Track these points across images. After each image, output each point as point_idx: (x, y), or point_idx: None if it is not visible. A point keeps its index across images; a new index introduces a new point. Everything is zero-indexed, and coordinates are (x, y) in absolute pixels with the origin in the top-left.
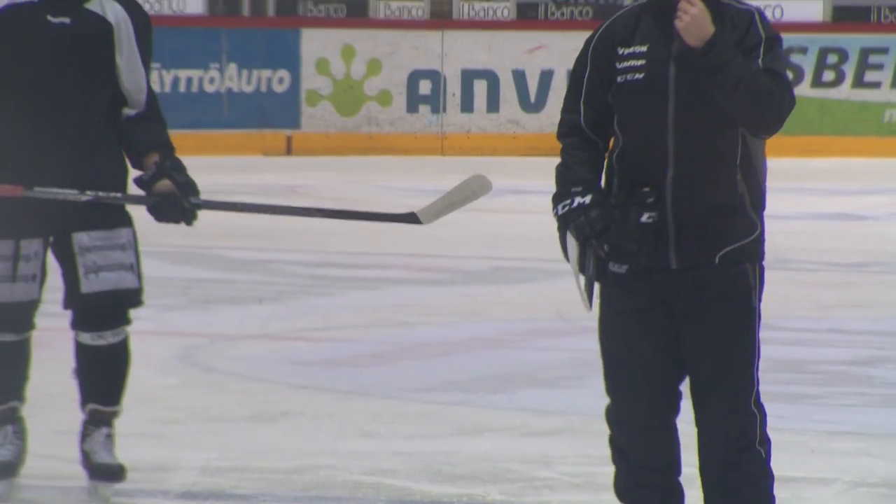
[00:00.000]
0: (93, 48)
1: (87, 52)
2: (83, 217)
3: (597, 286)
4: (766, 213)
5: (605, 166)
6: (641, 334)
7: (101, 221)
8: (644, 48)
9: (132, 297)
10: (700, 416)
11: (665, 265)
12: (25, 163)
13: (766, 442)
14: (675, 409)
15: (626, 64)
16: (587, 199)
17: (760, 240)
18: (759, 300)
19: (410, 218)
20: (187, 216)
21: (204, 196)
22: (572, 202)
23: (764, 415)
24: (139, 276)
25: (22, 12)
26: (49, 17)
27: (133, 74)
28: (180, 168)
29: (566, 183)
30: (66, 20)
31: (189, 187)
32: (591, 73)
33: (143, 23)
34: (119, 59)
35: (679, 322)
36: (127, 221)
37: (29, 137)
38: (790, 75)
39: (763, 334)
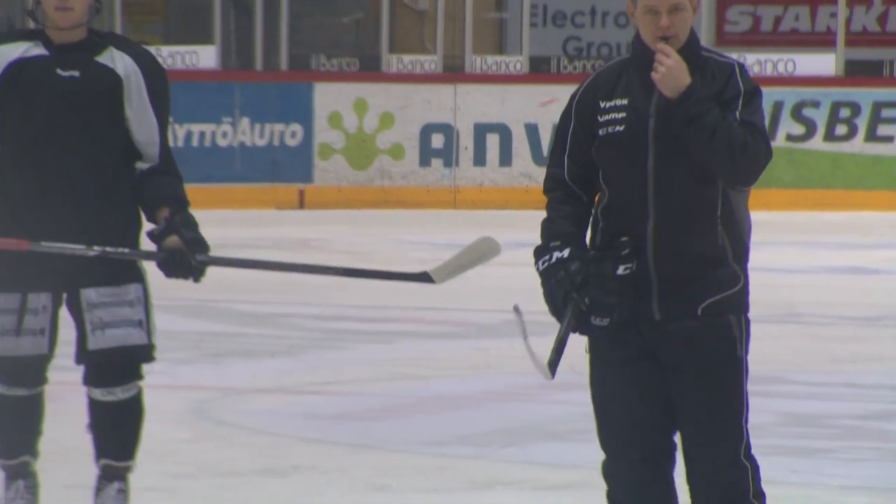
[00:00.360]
0: (101, 101)
1: (95, 105)
2: (92, 272)
3: (580, 340)
4: (778, 266)
5: (591, 220)
6: (630, 386)
7: (110, 277)
8: (625, 101)
9: (141, 354)
10: (690, 469)
11: (649, 318)
12: (32, 216)
13: (761, 496)
14: (670, 461)
15: (607, 117)
16: (565, 252)
17: (744, 292)
18: (746, 352)
19: (423, 277)
20: (195, 273)
21: (216, 250)
22: (551, 257)
23: (756, 468)
24: (149, 333)
25: (32, 65)
26: (59, 71)
27: (144, 127)
28: (190, 224)
29: (547, 237)
30: (76, 73)
31: (197, 244)
32: (574, 127)
33: (156, 75)
34: (129, 112)
35: (667, 374)
36: (137, 276)
37: (36, 191)
38: (766, 128)
39: (776, 388)
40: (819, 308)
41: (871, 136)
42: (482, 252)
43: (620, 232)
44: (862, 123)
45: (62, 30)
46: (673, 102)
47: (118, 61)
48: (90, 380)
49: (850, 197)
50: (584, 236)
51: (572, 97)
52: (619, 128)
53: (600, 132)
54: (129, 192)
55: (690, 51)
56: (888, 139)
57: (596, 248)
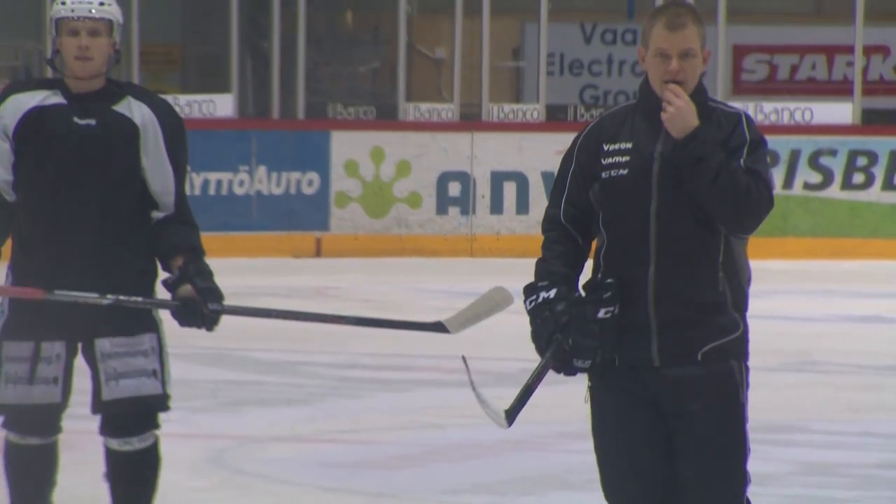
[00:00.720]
0: (117, 150)
1: (111, 154)
2: (106, 322)
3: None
4: (798, 315)
5: (592, 264)
6: (631, 435)
7: (124, 327)
8: (629, 145)
9: (156, 403)
10: None
11: (648, 364)
12: (47, 265)
13: None
14: None
15: (610, 160)
16: (551, 293)
17: (744, 339)
18: (747, 398)
19: (438, 327)
20: (208, 322)
21: (233, 299)
22: (538, 297)
23: None
24: (163, 382)
25: (49, 113)
26: (76, 119)
27: (160, 176)
28: (204, 273)
29: (538, 277)
30: (93, 122)
31: (211, 293)
32: (575, 170)
33: (173, 124)
34: (145, 161)
35: (668, 419)
36: (152, 326)
37: (51, 239)
38: (773, 177)
39: (793, 436)
40: (837, 356)
41: (889, 185)
42: (496, 302)
43: (620, 276)
44: (879, 172)
45: (81, 79)
46: (679, 143)
47: (135, 110)
48: (106, 430)
49: (868, 245)
50: (576, 277)
51: (575, 140)
52: (623, 171)
53: (603, 175)
54: (145, 241)
55: (698, 100)
56: None
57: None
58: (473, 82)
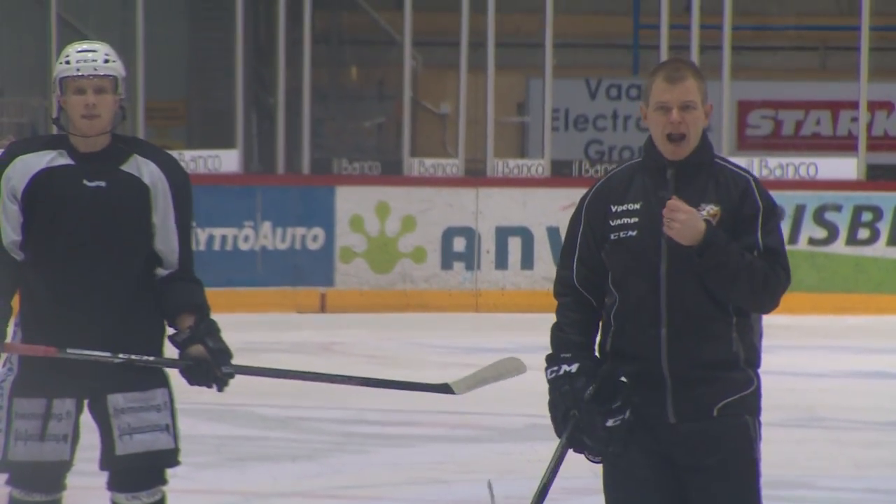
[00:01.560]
0: (129, 212)
1: (123, 216)
2: (118, 378)
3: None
4: (801, 370)
5: (602, 323)
6: (645, 490)
7: (136, 383)
8: (637, 206)
9: (168, 458)
10: None
11: (663, 420)
12: (59, 325)
13: None
14: None
15: (619, 221)
16: (573, 367)
17: (757, 394)
18: (759, 453)
19: (444, 388)
20: (219, 383)
21: (238, 354)
22: (559, 369)
23: None
24: (175, 437)
25: (58, 175)
26: (85, 182)
27: (166, 235)
28: (214, 332)
29: (557, 347)
30: (102, 184)
31: (222, 354)
32: (584, 231)
33: (181, 182)
34: (155, 220)
35: (682, 474)
36: (163, 381)
37: (61, 298)
38: (784, 243)
39: (799, 493)
40: (842, 412)
41: (894, 240)
42: (506, 369)
43: (633, 336)
44: (884, 227)
45: (88, 137)
46: (693, 251)
47: (143, 169)
48: (116, 485)
49: (873, 301)
50: (593, 345)
51: (582, 200)
52: (632, 232)
53: (612, 236)
54: (153, 300)
55: (703, 156)
56: None
57: (607, 353)
58: (478, 137)
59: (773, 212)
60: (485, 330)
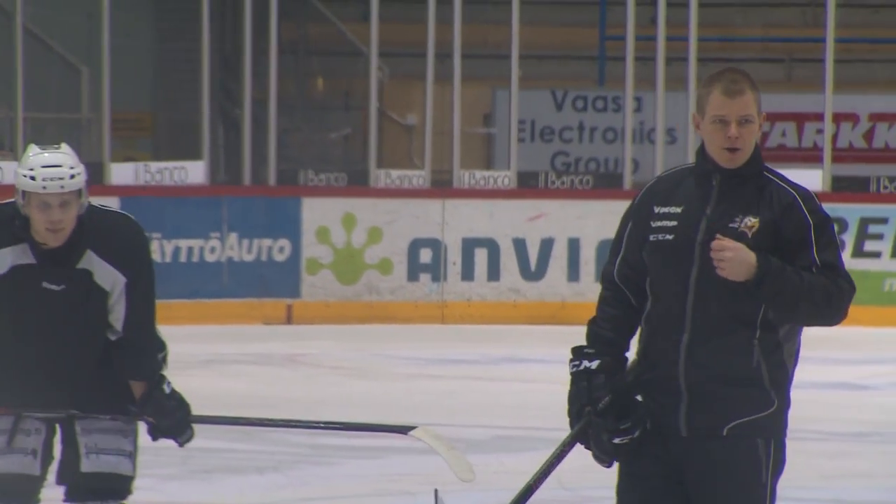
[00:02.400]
0: (86, 310)
1: (80, 313)
2: (89, 400)
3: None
4: None
5: (640, 326)
6: (654, 500)
7: (106, 407)
8: (679, 209)
9: (124, 484)
10: None
11: (676, 432)
12: (25, 392)
13: None
14: None
15: (659, 223)
16: (594, 364)
17: (779, 416)
18: (776, 476)
19: (405, 430)
20: (180, 443)
21: (203, 366)
22: (580, 364)
23: None
24: (134, 466)
25: (23, 272)
26: (44, 284)
27: (119, 309)
28: (163, 408)
29: (587, 340)
30: (60, 287)
31: (176, 428)
32: (631, 229)
33: (136, 263)
34: (111, 304)
35: (689, 489)
36: (130, 410)
37: (24, 373)
38: (843, 256)
39: None
40: (806, 423)
41: (859, 252)
42: (458, 463)
43: (657, 341)
44: (849, 239)
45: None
46: (751, 284)
47: (97, 268)
48: (76, 496)
49: None
50: (625, 343)
51: (634, 199)
52: (669, 236)
53: (651, 237)
54: (113, 373)
55: (752, 168)
56: (875, 254)
57: (640, 356)
58: (444, 149)
59: (825, 225)
60: (451, 341)
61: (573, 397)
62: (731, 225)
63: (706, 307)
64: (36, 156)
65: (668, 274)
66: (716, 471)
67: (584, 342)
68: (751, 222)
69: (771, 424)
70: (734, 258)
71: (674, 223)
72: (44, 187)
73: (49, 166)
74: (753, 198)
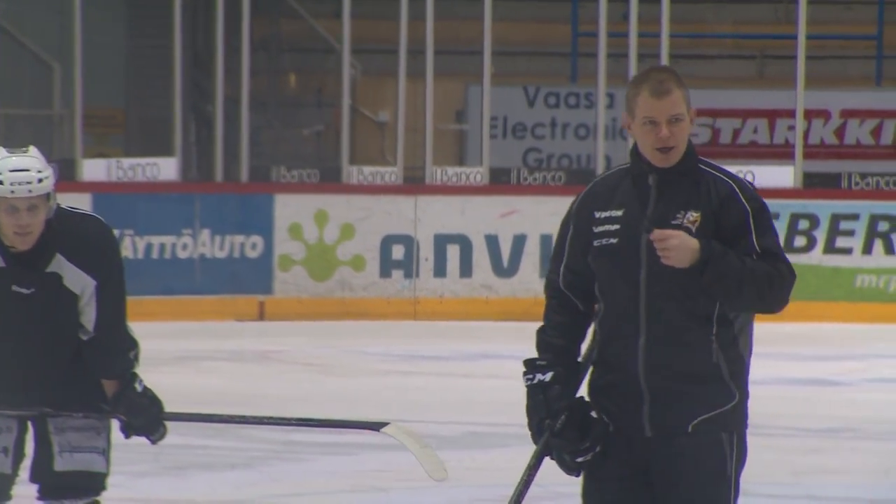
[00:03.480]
0: (56, 313)
1: (50, 315)
2: (62, 398)
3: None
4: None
5: (592, 331)
6: (621, 503)
7: (79, 405)
8: (620, 213)
9: (98, 481)
10: None
11: (640, 433)
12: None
13: None
14: None
15: (602, 228)
16: (547, 376)
17: (740, 409)
18: (739, 470)
19: (377, 426)
20: (153, 441)
21: (177, 362)
22: (534, 378)
23: None
24: (108, 462)
25: None
26: (14, 287)
27: (89, 310)
28: (134, 406)
29: (538, 349)
30: (29, 290)
31: (149, 427)
32: (572, 235)
33: (104, 264)
34: (81, 305)
35: (655, 488)
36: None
37: (1, 384)
38: (780, 242)
39: (737, 500)
40: (778, 420)
41: (830, 248)
42: (431, 461)
43: (613, 345)
44: (821, 235)
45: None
46: (695, 269)
47: (66, 272)
48: (51, 495)
49: (810, 308)
50: (576, 350)
51: (572, 204)
52: (613, 239)
53: (595, 243)
54: (85, 372)
55: (687, 163)
56: (846, 251)
57: (593, 361)
58: (417, 145)
59: (762, 212)
60: (423, 338)
61: (531, 411)
62: (673, 222)
63: (660, 307)
64: (3, 159)
65: (616, 277)
66: (683, 467)
67: (535, 353)
68: (693, 217)
69: (733, 417)
70: (680, 245)
71: (616, 226)
72: (12, 192)
73: (17, 170)
74: (692, 192)
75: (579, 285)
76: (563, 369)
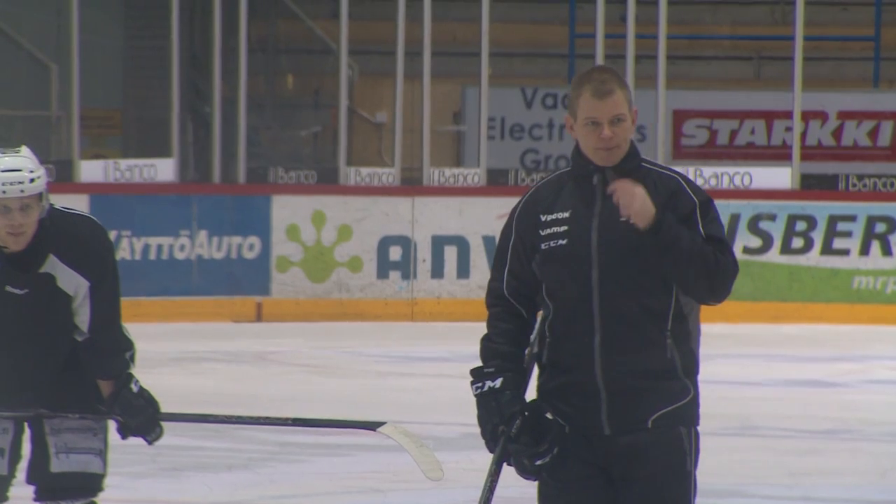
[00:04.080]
0: (50, 314)
1: (46, 318)
2: (58, 399)
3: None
4: (735, 379)
5: (538, 335)
6: (579, 500)
7: (75, 406)
8: (566, 214)
9: (95, 482)
10: None
11: (599, 432)
12: None
13: None
14: None
15: (549, 230)
16: (497, 382)
17: (695, 404)
18: (696, 465)
19: (373, 426)
20: (149, 440)
21: (174, 363)
22: (483, 385)
23: None
24: (105, 463)
25: None
26: (8, 287)
27: (84, 311)
28: (131, 406)
29: (484, 357)
30: (24, 291)
31: (145, 427)
32: (515, 242)
33: (97, 264)
34: (74, 307)
35: (616, 486)
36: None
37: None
38: (726, 234)
39: (733, 501)
40: (776, 421)
41: (828, 249)
42: (427, 461)
43: (567, 346)
44: (818, 236)
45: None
46: (646, 232)
47: (59, 272)
48: (47, 496)
49: (807, 310)
50: (522, 356)
51: (512, 211)
52: (562, 241)
53: (542, 246)
54: (81, 373)
55: (630, 162)
56: (844, 252)
57: (544, 366)
58: (414, 146)
59: (709, 205)
60: (421, 339)
61: (483, 419)
62: (622, 219)
63: (614, 306)
64: None
65: (567, 279)
66: (644, 463)
67: (480, 362)
68: None
69: (689, 413)
70: (644, 195)
71: (564, 228)
72: (3, 192)
73: (9, 170)
74: (659, 204)
75: (523, 292)
76: (512, 374)
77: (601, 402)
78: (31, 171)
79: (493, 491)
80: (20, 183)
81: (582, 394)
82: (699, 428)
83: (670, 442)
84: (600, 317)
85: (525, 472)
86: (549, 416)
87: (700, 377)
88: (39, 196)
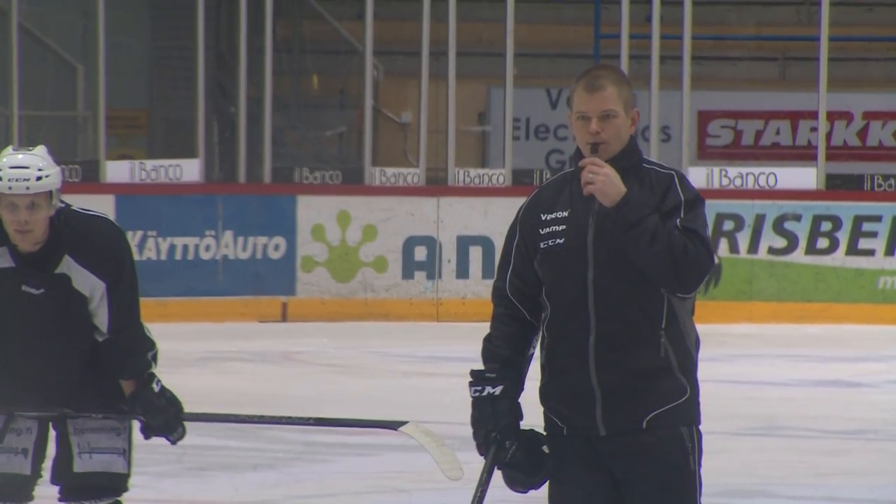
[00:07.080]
0: (66, 314)
1: (60, 317)
2: (82, 398)
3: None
4: (760, 379)
5: (539, 337)
6: (585, 500)
7: (98, 406)
8: (566, 213)
9: (119, 482)
10: None
11: (595, 433)
12: (9, 391)
13: None
14: None
15: (548, 229)
16: (497, 389)
17: (693, 403)
18: (699, 464)
19: (395, 425)
20: (172, 441)
21: (199, 363)
22: (482, 389)
23: None
24: (129, 462)
25: (2, 275)
26: (24, 287)
27: (102, 312)
28: (153, 406)
29: (485, 360)
30: (39, 290)
31: (167, 427)
32: (518, 242)
33: (113, 266)
34: (91, 308)
35: (620, 486)
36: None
37: (14, 373)
38: (710, 235)
39: (758, 501)
40: (801, 421)
41: (853, 250)
42: (447, 459)
43: (563, 346)
44: (843, 237)
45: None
46: (612, 210)
47: (74, 273)
48: (71, 496)
49: (832, 310)
50: (523, 360)
51: (518, 211)
52: (560, 240)
53: (542, 245)
54: (103, 373)
55: (630, 160)
56: (869, 252)
57: (544, 366)
58: (439, 147)
59: (696, 203)
60: (445, 339)
61: (477, 423)
62: (586, 195)
63: (608, 305)
64: (7, 157)
65: (564, 278)
66: (643, 463)
67: (482, 363)
68: None
69: (688, 411)
70: (608, 176)
71: (563, 227)
72: (10, 188)
73: (16, 167)
74: (635, 189)
75: (527, 292)
76: (511, 383)
77: (595, 403)
78: (40, 170)
79: (483, 496)
80: (26, 180)
81: (577, 394)
82: (701, 427)
83: (672, 442)
84: (595, 316)
85: (514, 484)
86: (545, 449)
87: (725, 377)
88: (49, 195)
